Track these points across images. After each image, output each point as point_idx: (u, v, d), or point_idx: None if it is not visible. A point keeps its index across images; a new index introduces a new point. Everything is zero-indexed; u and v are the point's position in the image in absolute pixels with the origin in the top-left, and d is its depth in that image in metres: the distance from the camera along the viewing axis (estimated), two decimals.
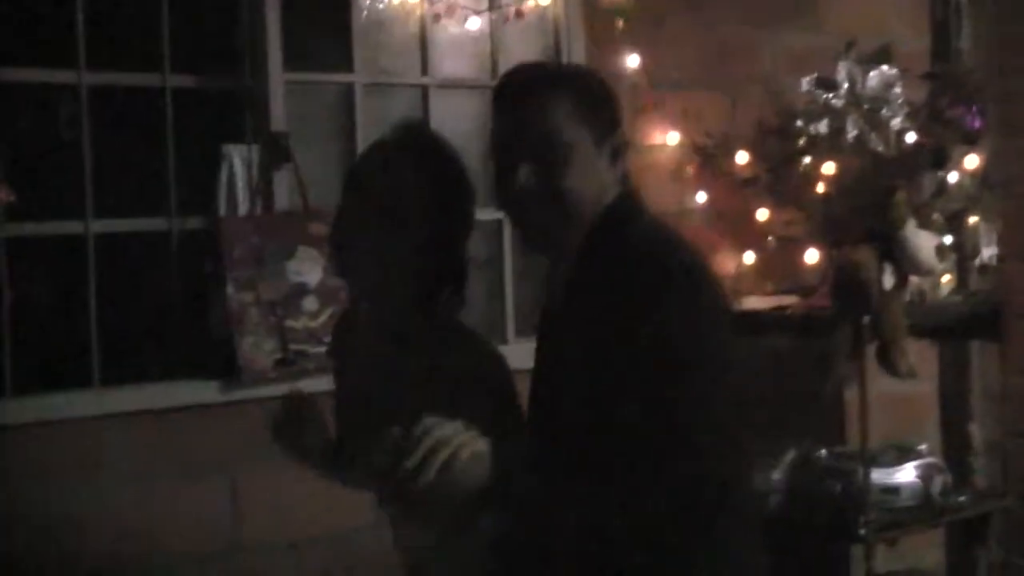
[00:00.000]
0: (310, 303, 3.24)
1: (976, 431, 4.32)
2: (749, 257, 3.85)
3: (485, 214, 3.37)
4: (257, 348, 3.18)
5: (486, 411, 1.83)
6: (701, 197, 3.83)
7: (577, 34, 3.75)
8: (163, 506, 3.11)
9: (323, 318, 3.24)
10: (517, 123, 1.96)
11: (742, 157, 3.68)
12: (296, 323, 3.23)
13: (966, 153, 3.49)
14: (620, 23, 3.73)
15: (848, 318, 3.30)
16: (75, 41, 3.12)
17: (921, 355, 4.48)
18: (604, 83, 2.04)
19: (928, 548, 4.08)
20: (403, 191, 1.95)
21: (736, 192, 3.70)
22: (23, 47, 3.11)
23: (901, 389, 4.48)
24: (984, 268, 4.21)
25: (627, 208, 2.01)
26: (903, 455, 3.62)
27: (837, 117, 3.32)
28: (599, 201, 1.97)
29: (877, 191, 3.31)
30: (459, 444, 1.66)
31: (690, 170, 3.82)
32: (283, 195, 3.28)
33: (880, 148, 3.31)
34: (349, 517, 2.94)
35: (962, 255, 4.19)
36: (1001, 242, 4.13)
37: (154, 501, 3.10)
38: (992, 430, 4.45)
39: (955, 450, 4.36)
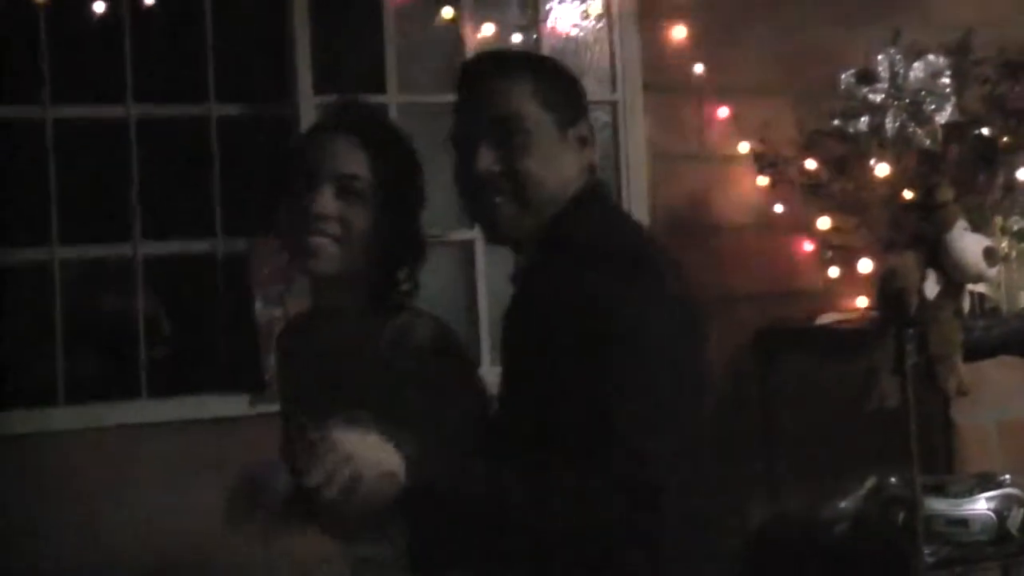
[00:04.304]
0: None
1: None
2: (834, 271, 3.58)
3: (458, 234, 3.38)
4: None
5: (438, 402, 1.87)
6: (779, 208, 3.60)
7: (631, 43, 3.64)
8: (195, 515, 3.24)
9: None
10: (477, 107, 1.94)
11: (811, 164, 3.44)
12: None
13: None
14: (682, 30, 3.61)
15: (888, 331, 3.03)
16: (123, 76, 3.34)
17: None
18: (568, 71, 2.03)
19: None
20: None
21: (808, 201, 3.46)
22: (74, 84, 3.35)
23: None
24: None
25: (590, 199, 1.96)
26: (981, 486, 3.25)
27: (877, 113, 3.05)
28: (563, 190, 1.93)
29: (922, 191, 3.03)
30: (366, 463, 1.62)
31: (764, 180, 3.60)
32: None
33: (926, 144, 3.01)
34: None
35: None
36: None
37: (187, 510, 3.24)
38: None
39: None
